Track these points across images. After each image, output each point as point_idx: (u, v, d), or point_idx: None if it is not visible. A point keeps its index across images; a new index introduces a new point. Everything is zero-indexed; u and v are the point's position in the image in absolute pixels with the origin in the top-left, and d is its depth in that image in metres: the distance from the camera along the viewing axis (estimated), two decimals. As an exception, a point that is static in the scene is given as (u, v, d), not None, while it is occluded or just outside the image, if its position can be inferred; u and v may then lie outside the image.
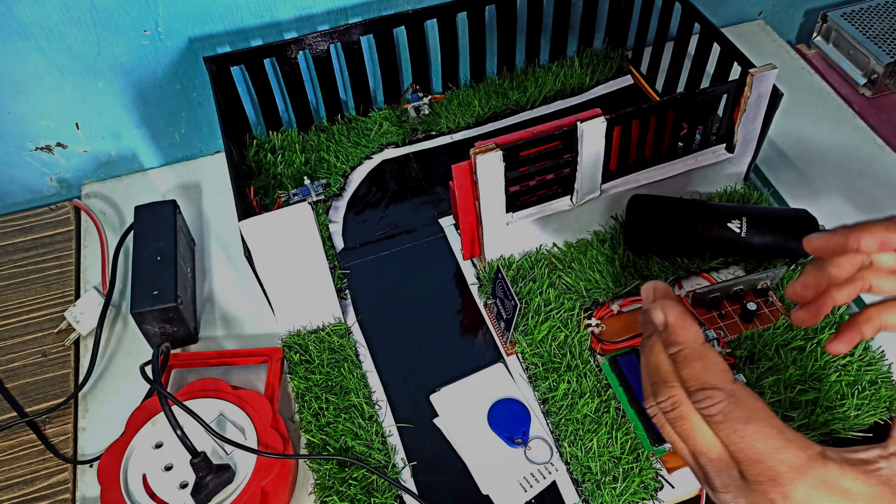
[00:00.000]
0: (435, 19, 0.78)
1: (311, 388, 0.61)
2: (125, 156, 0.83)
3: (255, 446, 0.54)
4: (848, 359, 0.60)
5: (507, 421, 0.60)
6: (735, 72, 0.67)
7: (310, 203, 0.68)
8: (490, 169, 0.59)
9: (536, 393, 0.62)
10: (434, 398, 0.62)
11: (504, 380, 0.63)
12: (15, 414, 0.64)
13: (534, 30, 0.84)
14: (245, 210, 0.61)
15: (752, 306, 0.63)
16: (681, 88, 0.80)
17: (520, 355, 0.64)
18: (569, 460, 0.57)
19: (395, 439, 0.60)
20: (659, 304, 0.38)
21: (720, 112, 0.68)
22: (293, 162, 0.78)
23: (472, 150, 0.58)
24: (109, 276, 0.72)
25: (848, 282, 0.45)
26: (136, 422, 0.56)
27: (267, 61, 0.75)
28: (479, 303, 0.68)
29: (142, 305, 0.61)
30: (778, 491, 0.32)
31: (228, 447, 0.54)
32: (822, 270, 0.44)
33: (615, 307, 0.65)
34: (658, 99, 0.84)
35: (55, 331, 0.69)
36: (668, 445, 0.57)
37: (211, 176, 0.82)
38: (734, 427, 0.33)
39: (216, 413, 0.56)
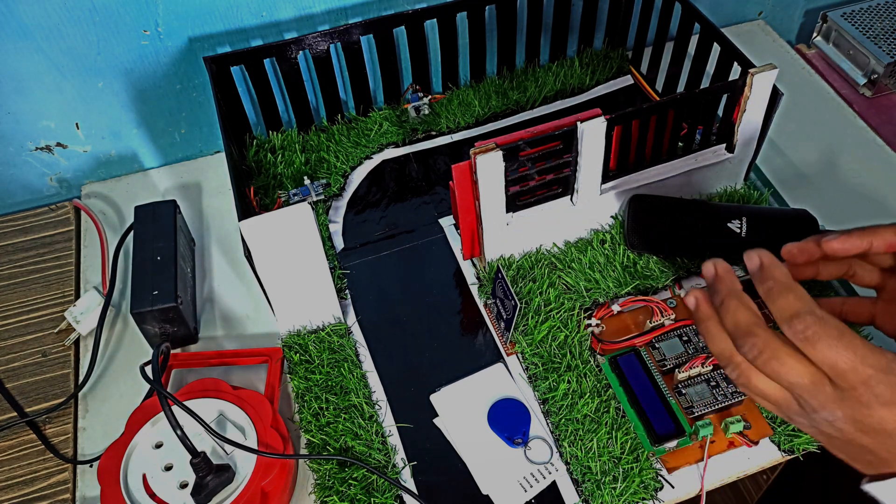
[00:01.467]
0: (435, 19, 0.78)
1: (311, 388, 0.61)
2: (125, 156, 0.83)
3: (255, 446, 0.54)
4: (848, 359, 0.60)
5: (507, 421, 0.60)
6: (735, 72, 0.67)
7: (310, 203, 0.68)
8: (490, 169, 0.59)
9: (536, 393, 0.62)
10: (434, 398, 0.62)
11: (504, 380, 0.63)
12: (15, 414, 0.64)
13: (534, 30, 0.84)
14: (245, 210, 0.61)
15: (752, 306, 0.63)
16: (681, 88, 0.80)
17: (520, 355, 0.64)
18: (569, 460, 0.58)
19: (395, 439, 0.60)
20: (755, 251, 0.43)
21: (720, 112, 0.68)
22: (293, 162, 0.78)
23: (472, 150, 0.58)
24: (109, 276, 0.72)
25: (835, 262, 0.51)
26: (136, 422, 0.56)
27: (267, 61, 0.75)
28: (479, 303, 0.68)
29: (142, 305, 0.61)
30: (869, 391, 0.37)
31: (228, 447, 0.54)
32: (821, 246, 0.49)
33: (615, 307, 0.65)
34: (658, 99, 0.84)
35: (55, 331, 0.69)
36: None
37: (211, 176, 0.82)
38: (829, 343, 0.38)
39: (216, 413, 0.56)
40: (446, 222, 0.75)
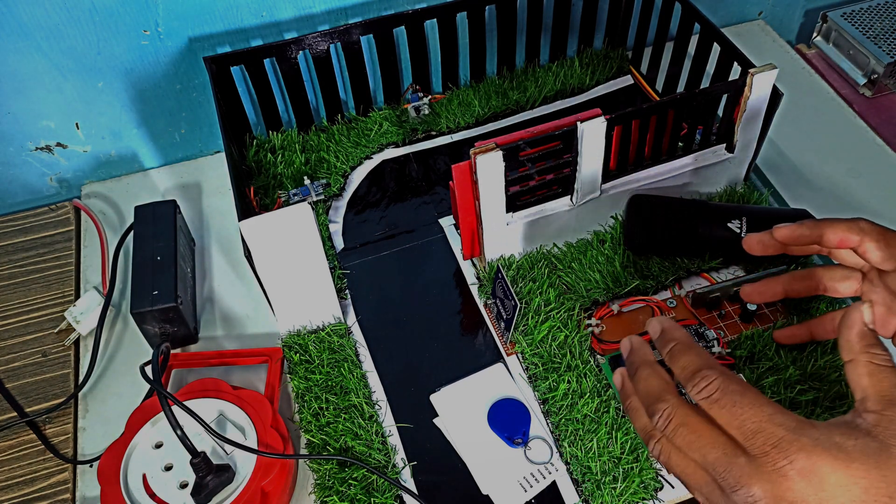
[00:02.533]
0: (435, 19, 0.78)
1: (311, 388, 0.61)
2: (125, 156, 0.83)
3: (255, 446, 0.54)
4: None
5: (507, 421, 0.60)
6: (735, 72, 0.67)
7: (310, 203, 0.68)
8: (490, 169, 0.59)
9: (536, 393, 0.62)
10: (434, 398, 0.62)
11: (504, 380, 0.63)
12: (15, 414, 0.64)
13: (534, 30, 0.84)
14: (245, 210, 0.61)
15: (752, 306, 0.63)
16: (681, 88, 0.80)
17: (520, 355, 0.64)
18: (569, 460, 0.58)
19: (395, 439, 0.60)
20: (655, 319, 0.43)
21: (720, 112, 0.68)
22: (293, 162, 0.78)
23: (472, 150, 0.58)
24: (109, 276, 0.72)
25: (802, 277, 0.51)
26: (136, 422, 0.56)
27: (267, 61, 0.75)
28: (479, 303, 0.68)
29: (142, 305, 0.61)
30: (782, 456, 0.34)
31: (228, 447, 0.54)
32: (773, 234, 0.50)
33: (615, 307, 0.65)
34: (658, 99, 0.84)
35: (55, 331, 0.69)
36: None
37: (211, 176, 0.82)
38: (733, 400, 0.36)
39: (216, 413, 0.56)
40: (446, 222, 0.75)
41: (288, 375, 0.63)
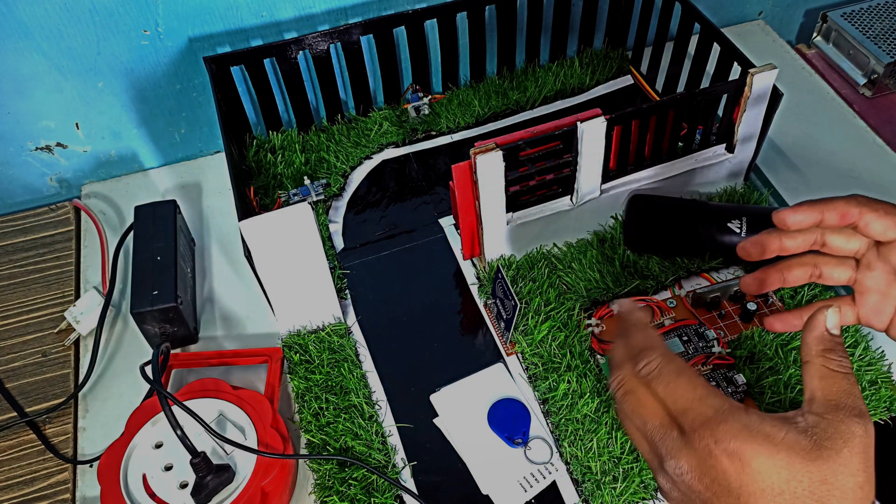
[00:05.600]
0: (435, 19, 0.78)
1: (311, 388, 0.61)
2: (125, 156, 0.83)
3: (255, 446, 0.54)
4: (848, 359, 0.60)
5: (507, 421, 0.60)
6: (735, 72, 0.67)
7: (310, 203, 0.68)
8: (490, 169, 0.59)
9: (536, 393, 0.62)
10: (434, 398, 0.62)
11: (504, 380, 0.63)
12: (15, 414, 0.64)
13: (534, 30, 0.84)
14: (245, 210, 0.61)
15: (752, 306, 0.63)
16: (681, 88, 0.80)
17: (520, 355, 0.64)
18: (569, 460, 0.58)
19: (395, 439, 0.60)
20: (617, 301, 0.48)
21: (720, 112, 0.68)
22: (293, 162, 0.78)
23: (472, 150, 0.58)
24: (109, 276, 0.72)
25: (798, 263, 0.50)
26: (136, 422, 0.56)
27: (267, 61, 0.75)
28: (479, 303, 0.68)
29: (142, 305, 0.61)
30: (709, 434, 0.36)
31: (228, 447, 0.54)
32: (775, 235, 0.49)
33: (615, 307, 0.65)
34: (658, 99, 0.84)
35: (55, 331, 0.69)
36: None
37: (211, 176, 0.82)
38: (668, 379, 0.39)
39: (216, 413, 0.56)
40: (446, 222, 0.75)
41: (288, 375, 0.63)
